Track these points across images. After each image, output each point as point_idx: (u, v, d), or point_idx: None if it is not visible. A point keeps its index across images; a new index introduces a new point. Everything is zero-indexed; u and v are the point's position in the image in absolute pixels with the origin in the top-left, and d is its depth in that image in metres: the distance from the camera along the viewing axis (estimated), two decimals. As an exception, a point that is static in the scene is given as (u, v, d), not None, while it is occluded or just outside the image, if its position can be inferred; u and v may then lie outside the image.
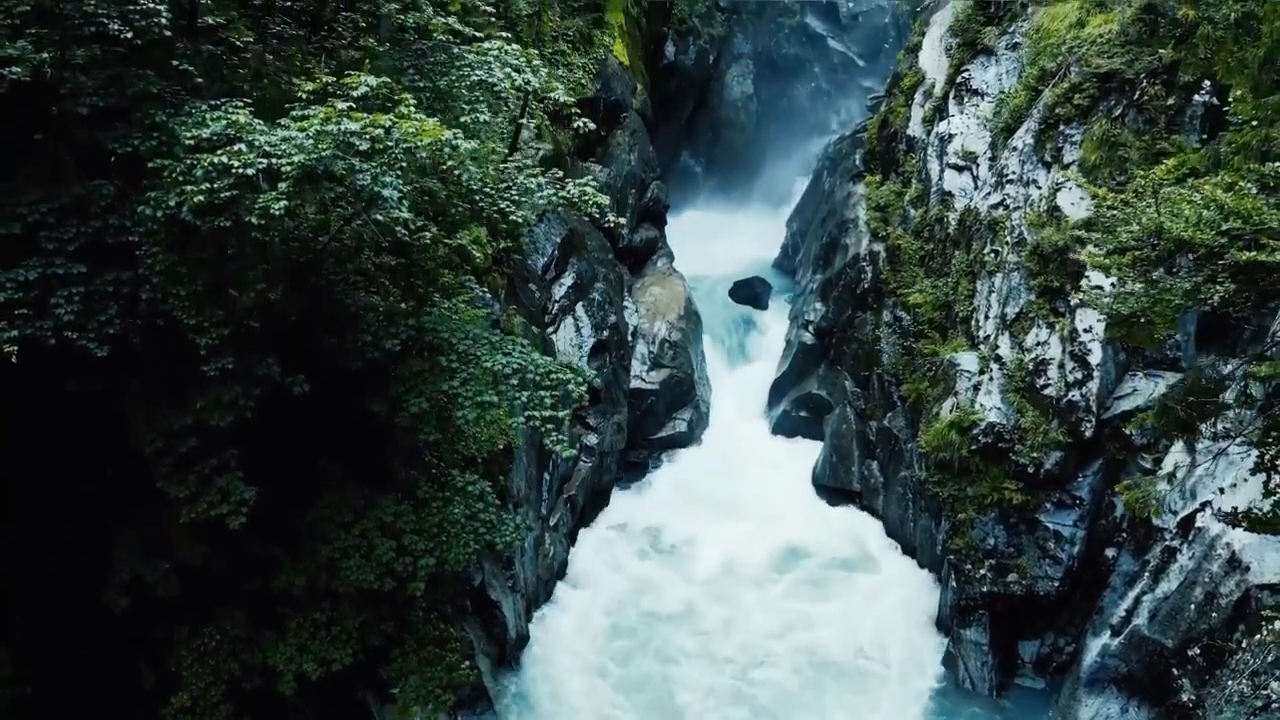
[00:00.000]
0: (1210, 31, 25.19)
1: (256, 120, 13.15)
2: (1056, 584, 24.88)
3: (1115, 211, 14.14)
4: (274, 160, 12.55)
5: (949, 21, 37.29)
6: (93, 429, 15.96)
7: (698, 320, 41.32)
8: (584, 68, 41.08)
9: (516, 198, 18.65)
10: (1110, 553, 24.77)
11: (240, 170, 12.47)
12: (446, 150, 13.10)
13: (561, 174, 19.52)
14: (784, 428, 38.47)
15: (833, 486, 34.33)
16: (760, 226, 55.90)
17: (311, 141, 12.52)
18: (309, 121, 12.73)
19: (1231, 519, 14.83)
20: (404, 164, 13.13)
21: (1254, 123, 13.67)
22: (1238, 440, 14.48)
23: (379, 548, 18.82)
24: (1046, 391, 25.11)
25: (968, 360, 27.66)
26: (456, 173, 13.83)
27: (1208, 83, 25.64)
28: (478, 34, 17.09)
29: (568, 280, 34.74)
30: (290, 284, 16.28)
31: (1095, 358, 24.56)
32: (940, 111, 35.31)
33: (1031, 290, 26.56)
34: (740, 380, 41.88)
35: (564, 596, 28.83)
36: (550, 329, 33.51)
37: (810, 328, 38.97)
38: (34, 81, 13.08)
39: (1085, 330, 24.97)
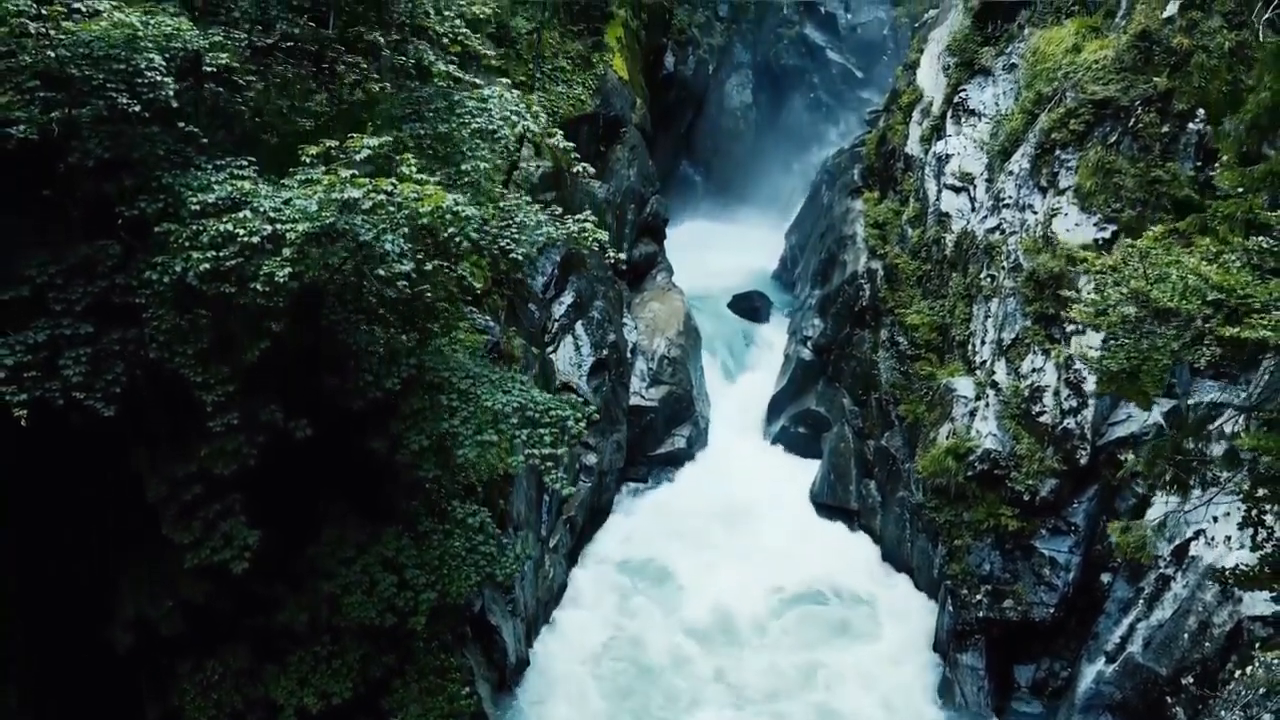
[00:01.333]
0: (1204, 60, 25.40)
1: (261, 184, 13.34)
2: (1052, 610, 25.09)
3: (1103, 276, 14.32)
4: (279, 226, 12.75)
5: (946, 40, 37.48)
6: (97, 466, 16.16)
7: (697, 336, 41.51)
8: (583, 83, 41.30)
9: (516, 235, 18.85)
10: (1105, 578, 24.98)
11: (246, 238, 12.67)
12: (448, 217, 13.29)
13: (561, 209, 19.65)
14: (782, 444, 38.67)
15: (831, 505, 34.53)
16: (759, 236, 56.12)
17: (316, 208, 12.71)
18: (313, 188, 12.92)
19: (1221, 577, 15.03)
20: (406, 229, 13.33)
21: (1240, 189, 13.83)
22: (1226, 491, 14.68)
23: (381, 583, 19.07)
24: (1042, 419, 25.31)
25: (964, 386, 27.86)
26: (458, 239, 14.01)
27: (1201, 111, 25.88)
28: (477, 81, 17.24)
29: (567, 299, 34.93)
30: (292, 320, 16.49)
31: (1090, 385, 24.71)
32: (938, 131, 35.50)
33: (1027, 316, 26.75)
34: (739, 395, 42.03)
35: (563, 619, 29.01)
36: (550, 348, 33.71)
37: (809, 344, 39.17)
38: (41, 138, 13.29)
39: (1081, 357, 25.12)
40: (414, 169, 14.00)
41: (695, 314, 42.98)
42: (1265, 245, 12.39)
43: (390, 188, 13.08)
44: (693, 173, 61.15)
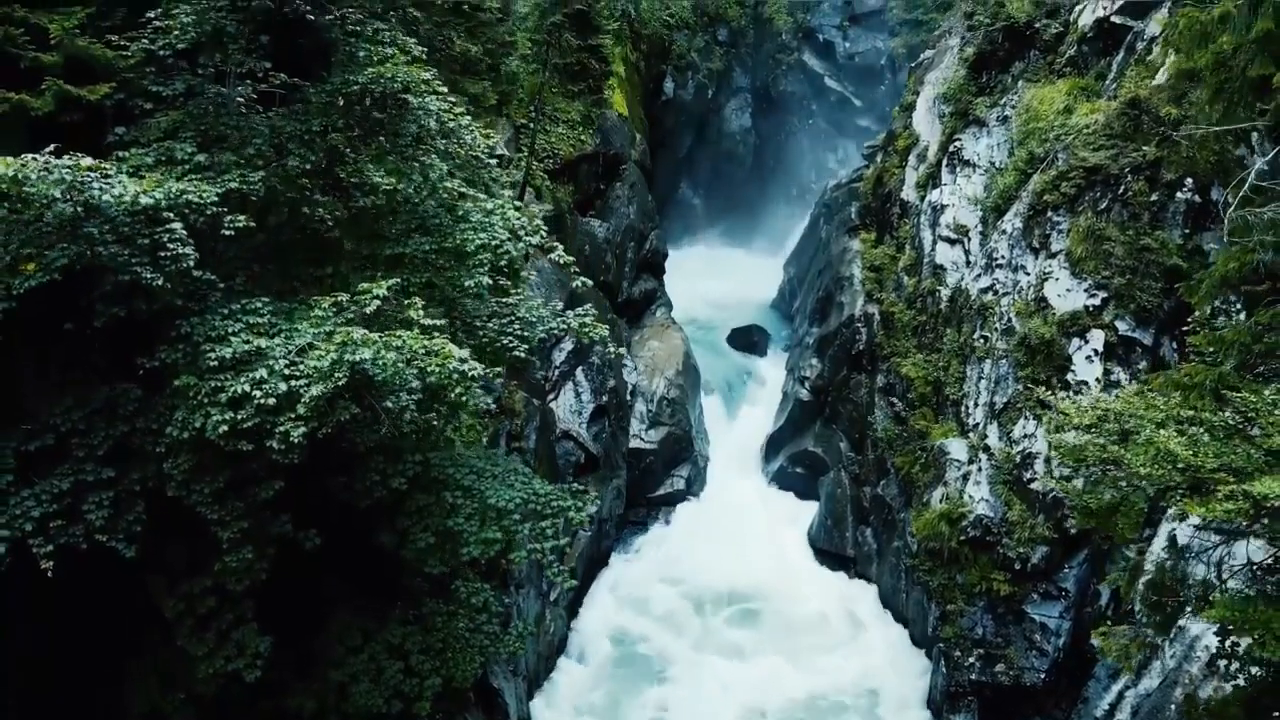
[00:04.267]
0: (1193, 131, 25.82)
1: (276, 323, 13.83)
2: (1043, 675, 25.62)
3: (1079, 432, 14.77)
4: (293, 383, 13.25)
5: (942, 86, 37.93)
6: (111, 588, 16.64)
7: (696, 374, 41.99)
8: (583, 124, 41.73)
9: (519, 332, 19.35)
10: (1096, 642, 25.44)
11: (262, 400, 13.18)
12: (455, 376, 13.79)
13: (562, 305, 20.14)
14: (780, 484, 39.20)
15: (828, 550, 35.03)
16: (758, 261, 56.85)
17: (328, 367, 13.20)
18: (325, 350, 13.40)
19: (1194, 712, 15.53)
20: (415, 384, 13.82)
21: (1211, 351, 14.30)
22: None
23: (387, 670, 19.58)
24: (1033, 485, 25.82)
25: (957, 449, 28.36)
26: (465, 399, 14.53)
27: (1190, 181, 26.33)
28: (480, 195, 17.71)
29: (567, 345, 35.32)
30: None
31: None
32: (933, 179, 35.96)
33: (1019, 381, 27.24)
34: (738, 431, 42.60)
35: (564, 673, 29.52)
36: (551, 396, 34.21)
37: (806, 384, 39.66)
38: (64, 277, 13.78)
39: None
40: (421, 313, 14.49)
41: (694, 348, 43.48)
42: (1231, 422, 12.90)
43: (400, 343, 13.58)
44: (692, 195, 61.74)
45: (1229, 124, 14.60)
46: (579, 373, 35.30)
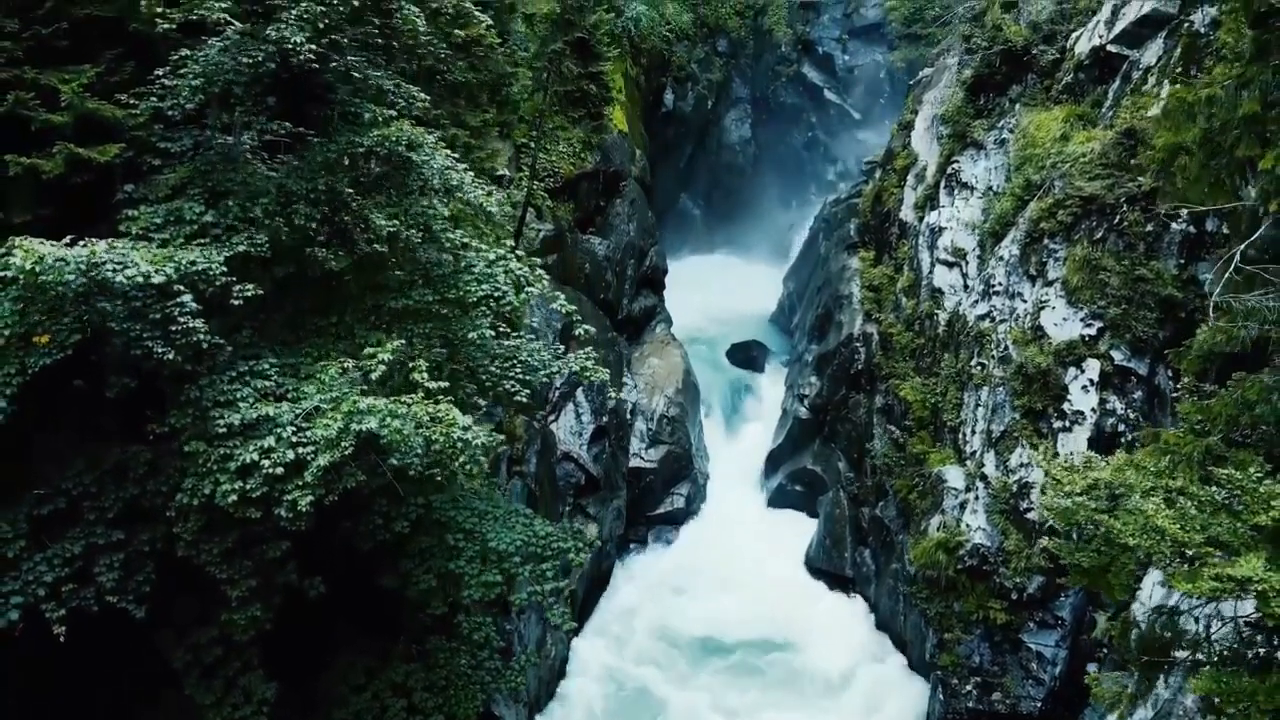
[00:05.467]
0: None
1: (284, 385, 14.09)
2: (1039, 704, 25.89)
3: (1068, 499, 15.02)
4: (300, 450, 13.54)
5: (940, 106, 38.17)
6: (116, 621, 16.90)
7: (696, 392, 42.23)
8: (584, 142, 41.91)
9: (520, 375, 19.62)
10: (1092, 668, 25.71)
11: (270, 469, 13.46)
12: (459, 445, 14.06)
13: (564, 348, 20.41)
14: (779, 501, 39.48)
15: (826, 570, 35.30)
16: (757, 272, 56.96)
17: (335, 435, 13.49)
18: (333, 418, 13.68)
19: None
20: (420, 451, 14.09)
21: (1199, 422, 14.53)
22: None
23: (391, 708, 19.91)
24: (1029, 515, 26.07)
25: (954, 476, 28.61)
26: (469, 467, 14.81)
27: (1185, 212, 26.53)
28: (483, 246, 17.96)
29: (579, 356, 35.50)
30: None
31: (1079, 462, 25.43)
32: (931, 200, 36.17)
33: (1016, 409, 27.47)
34: (737, 447, 42.86)
35: (565, 696, 29.82)
36: (551, 418, 34.46)
37: (805, 402, 39.90)
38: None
39: (1067, 456, 25.88)
40: (425, 375, 14.76)
41: (694, 363, 43.72)
42: (1218, 498, 13.15)
43: (405, 411, 13.84)
44: (691, 206, 61.94)
45: (1215, 202, 14.85)
46: (579, 393, 35.54)
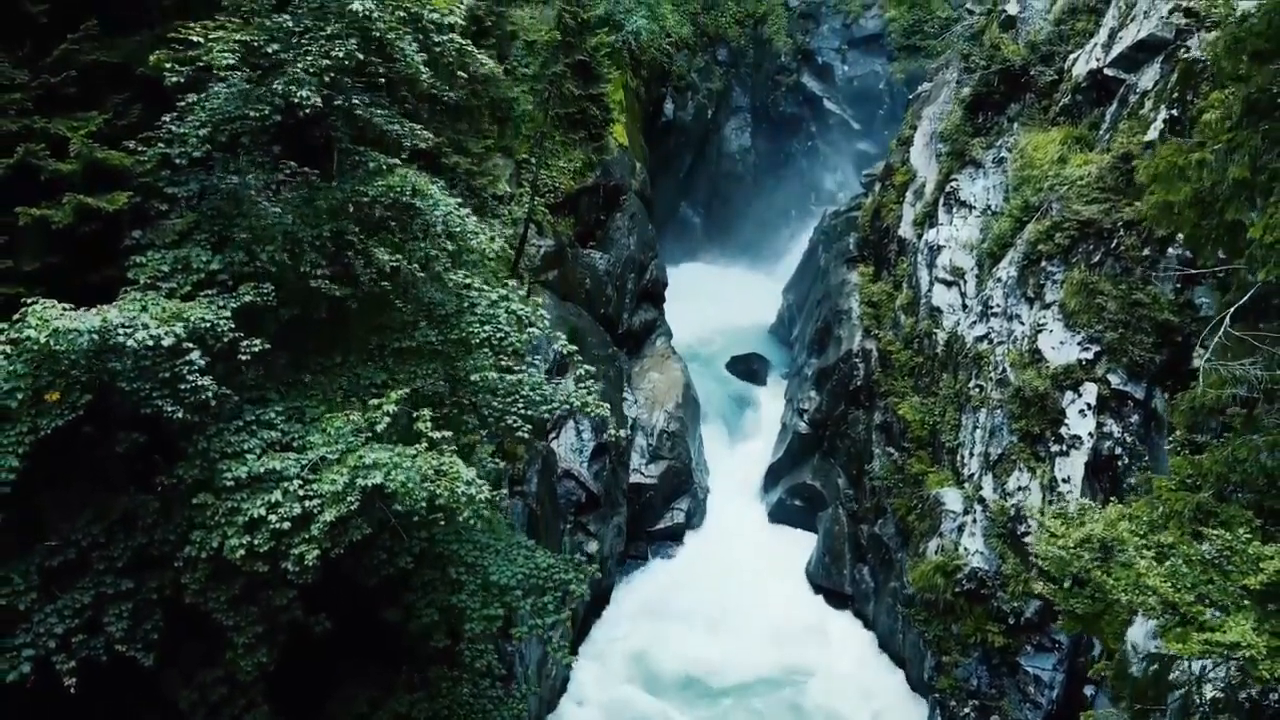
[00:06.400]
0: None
1: (290, 460, 14.32)
2: (1037, 728, 26.16)
3: (1063, 552, 15.25)
4: (307, 504, 13.77)
5: (939, 122, 38.38)
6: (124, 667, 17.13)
7: (696, 406, 42.44)
8: (584, 158, 42.11)
9: (523, 410, 19.85)
10: (1089, 691, 25.99)
11: (277, 525, 13.69)
12: (464, 499, 14.29)
13: (563, 382, 20.62)
14: (779, 516, 39.70)
15: (826, 587, 35.53)
16: (757, 281, 57.20)
17: (341, 489, 13.73)
18: (339, 472, 13.92)
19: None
20: (424, 504, 14.33)
21: (1189, 478, 14.75)
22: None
23: (394, 740, 20.12)
24: (1026, 539, 26.27)
25: (952, 499, 28.84)
26: (472, 522, 15.04)
27: (1181, 237, 26.73)
28: (485, 287, 18.17)
29: (572, 375, 35.65)
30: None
31: (1073, 510, 25.65)
32: (930, 218, 36.38)
33: (1014, 433, 27.68)
34: (738, 460, 43.05)
35: (566, 716, 30.02)
36: (552, 436, 34.66)
37: (805, 417, 40.12)
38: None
39: (1064, 480, 26.16)
40: (429, 425, 14.98)
41: (694, 375, 43.93)
42: (1207, 557, 13.36)
43: (410, 464, 14.08)
44: (692, 214, 62.15)
45: (1209, 263, 15.08)
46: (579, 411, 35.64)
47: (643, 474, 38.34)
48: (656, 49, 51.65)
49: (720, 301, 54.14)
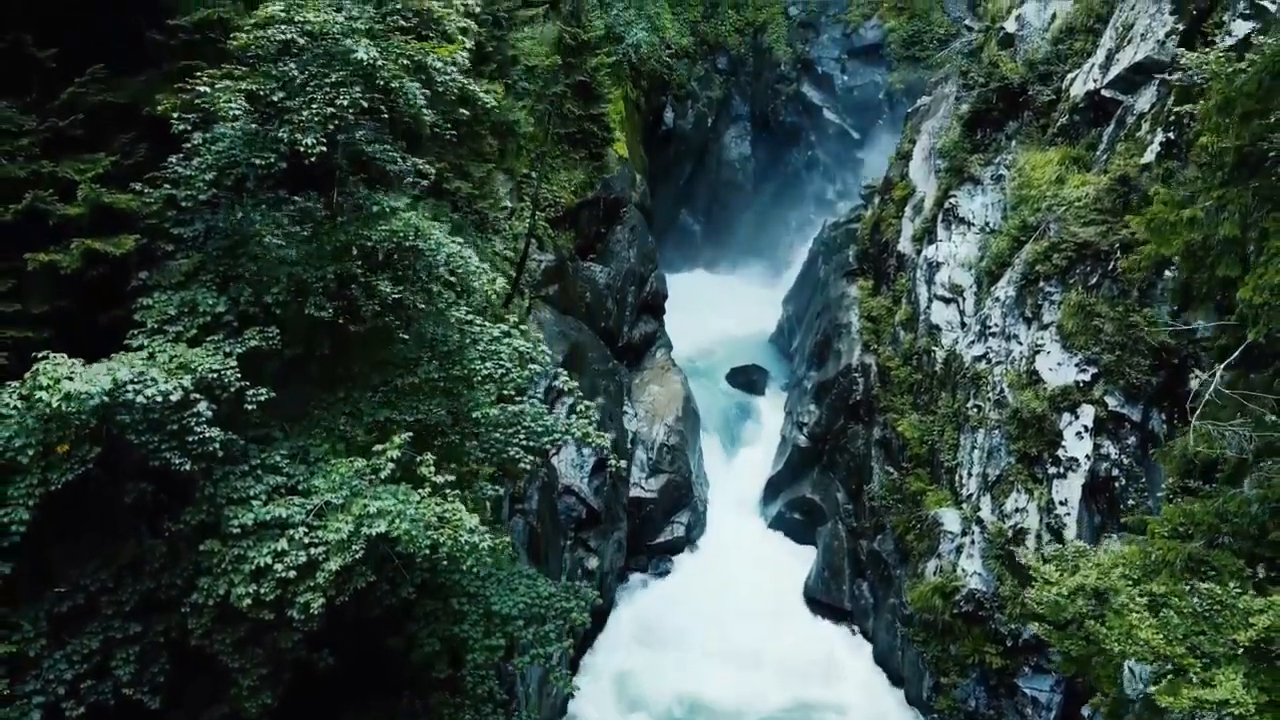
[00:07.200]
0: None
1: (295, 506, 14.50)
2: (1033, 749, 26.37)
3: (1058, 598, 15.45)
4: (313, 551, 13.97)
5: (938, 137, 38.56)
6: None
7: (696, 418, 42.64)
8: (584, 172, 42.29)
9: (524, 442, 20.05)
10: (1086, 711, 26.16)
11: (284, 573, 13.88)
12: (466, 549, 14.49)
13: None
14: (779, 529, 39.94)
15: (825, 602, 35.71)
16: (757, 290, 57.46)
17: (346, 538, 13.93)
18: (344, 520, 14.11)
19: None
20: (427, 551, 14.53)
21: (1181, 525, 14.93)
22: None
23: (397, 769, 20.32)
24: (1024, 561, 26.45)
25: (950, 520, 29.05)
26: (476, 572, 15.24)
27: (1178, 258, 26.90)
28: (485, 323, 18.36)
29: (568, 401, 35.83)
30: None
31: (1070, 532, 25.91)
32: (929, 234, 36.56)
33: (1012, 454, 27.88)
34: (737, 473, 43.23)
35: (567, 735, 30.27)
36: (552, 452, 34.81)
37: (804, 430, 40.31)
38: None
39: (1061, 503, 26.35)
40: (432, 469, 15.18)
41: (694, 385, 44.15)
42: (1198, 608, 13.56)
43: (414, 511, 14.28)
44: (692, 222, 62.43)
45: (1203, 317, 15.25)
46: (581, 426, 35.83)
47: (643, 488, 38.56)
48: (656, 60, 51.88)
49: (720, 311, 54.37)
